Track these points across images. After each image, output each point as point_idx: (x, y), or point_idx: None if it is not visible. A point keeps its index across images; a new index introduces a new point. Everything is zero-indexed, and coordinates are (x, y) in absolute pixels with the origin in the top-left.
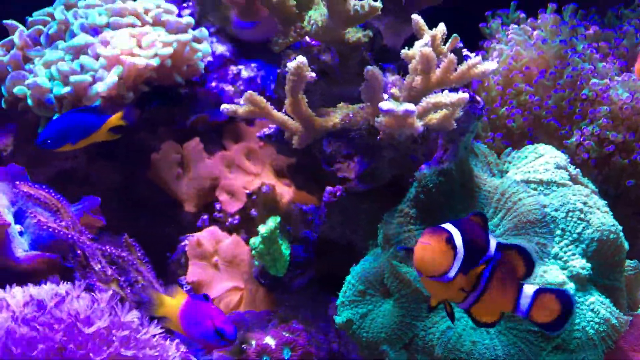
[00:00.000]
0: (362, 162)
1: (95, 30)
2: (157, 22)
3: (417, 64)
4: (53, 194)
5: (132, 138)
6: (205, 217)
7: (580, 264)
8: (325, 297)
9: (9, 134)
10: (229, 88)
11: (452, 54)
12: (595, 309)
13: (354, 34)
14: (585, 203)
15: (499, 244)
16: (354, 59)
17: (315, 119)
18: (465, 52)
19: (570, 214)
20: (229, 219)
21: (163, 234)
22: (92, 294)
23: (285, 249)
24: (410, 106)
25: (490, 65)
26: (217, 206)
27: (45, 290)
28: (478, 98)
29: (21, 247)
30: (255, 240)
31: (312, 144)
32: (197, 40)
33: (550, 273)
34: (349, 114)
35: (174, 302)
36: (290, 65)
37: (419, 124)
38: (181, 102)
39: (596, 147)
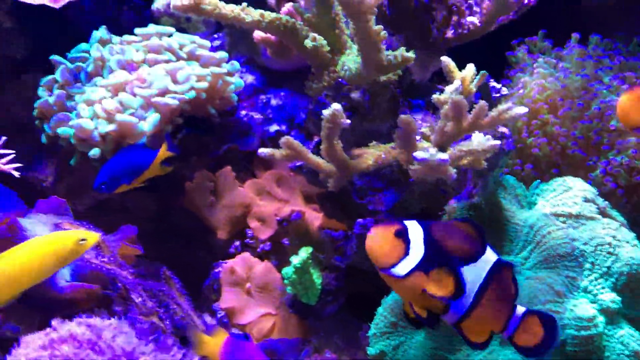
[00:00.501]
0: (393, 195)
1: (132, 66)
2: (191, 57)
3: (449, 111)
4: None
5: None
6: (237, 243)
7: (609, 297)
8: (356, 322)
9: (50, 165)
10: (258, 116)
11: (482, 101)
12: (625, 341)
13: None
14: (614, 237)
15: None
16: (383, 96)
17: (349, 162)
18: (492, 83)
19: (599, 247)
20: (260, 245)
21: (197, 259)
22: (136, 326)
23: (317, 277)
24: (444, 156)
25: (520, 110)
26: (249, 233)
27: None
28: (507, 132)
29: (63, 278)
30: (287, 271)
31: None
32: (229, 73)
33: (580, 307)
34: (381, 154)
35: (214, 342)
36: (326, 113)
37: (452, 171)
38: (213, 131)
39: (625, 175)
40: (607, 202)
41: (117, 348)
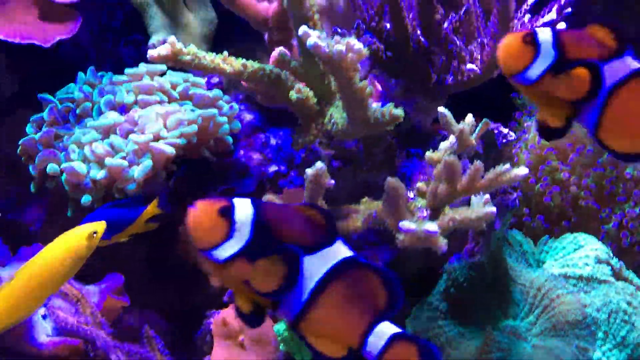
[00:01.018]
0: (389, 251)
1: (122, 108)
2: (184, 97)
3: (441, 172)
4: (74, 284)
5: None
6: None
7: None
8: None
9: (38, 208)
10: (257, 156)
11: (478, 162)
12: None
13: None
14: (629, 303)
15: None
16: (378, 147)
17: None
18: (501, 128)
19: (614, 315)
20: None
21: (189, 305)
22: None
23: None
24: (432, 227)
25: (520, 171)
26: None
27: None
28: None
29: (44, 332)
30: (279, 328)
31: None
32: (227, 117)
33: None
34: (372, 214)
35: None
36: (309, 172)
37: (442, 243)
38: (209, 172)
39: None
40: (622, 263)
41: None
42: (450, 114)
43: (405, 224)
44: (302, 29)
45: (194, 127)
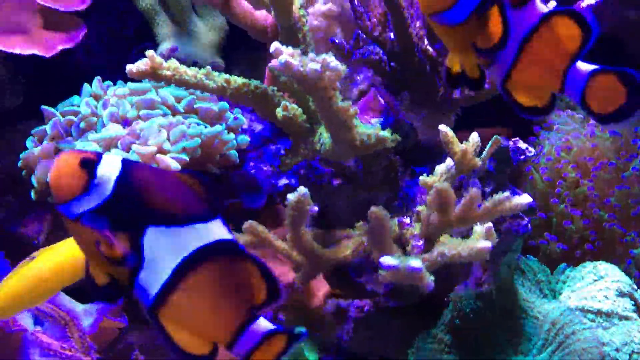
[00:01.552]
0: None
1: (125, 122)
2: (189, 110)
3: (433, 201)
4: (66, 304)
5: None
6: None
7: None
8: None
9: (42, 221)
10: (266, 168)
11: (474, 189)
12: None
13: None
14: None
15: None
16: (379, 165)
17: (323, 252)
18: (518, 144)
19: (635, 356)
20: None
21: None
22: None
23: None
24: (416, 263)
25: (523, 199)
26: None
27: None
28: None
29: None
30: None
31: None
32: (232, 129)
33: None
34: (362, 242)
35: None
36: (291, 198)
37: (429, 280)
38: (214, 185)
39: None
40: None
41: None
42: (452, 132)
43: (387, 260)
44: (274, 45)
45: (197, 141)
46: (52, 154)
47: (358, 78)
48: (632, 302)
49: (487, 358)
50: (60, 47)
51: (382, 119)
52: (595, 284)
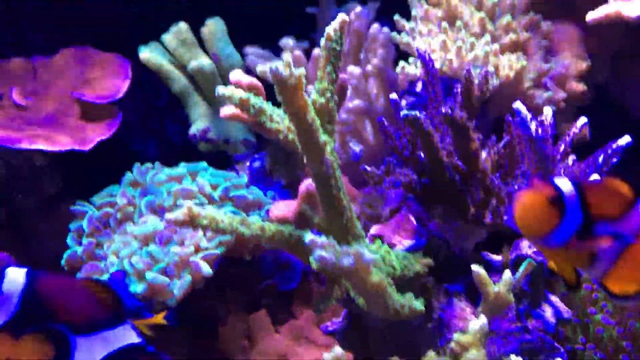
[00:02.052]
0: None
1: (162, 211)
2: (224, 198)
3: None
4: None
5: (199, 304)
6: None
7: None
8: None
9: None
10: None
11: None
12: None
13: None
14: None
15: None
16: (410, 287)
17: None
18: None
19: None
20: None
21: None
22: None
23: None
24: None
25: None
26: None
27: None
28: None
29: None
30: None
31: None
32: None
33: None
34: None
35: None
36: (327, 357)
37: None
38: (250, 264)
39: None
40: None
41: None
42: (485, 272)
43: None
44: (309, 237)
45: (232, 237)
46: (93, 253)
47: (391, 196)
48: None
49: None
50: (98, 140)
51: (414, 241)
52: None
